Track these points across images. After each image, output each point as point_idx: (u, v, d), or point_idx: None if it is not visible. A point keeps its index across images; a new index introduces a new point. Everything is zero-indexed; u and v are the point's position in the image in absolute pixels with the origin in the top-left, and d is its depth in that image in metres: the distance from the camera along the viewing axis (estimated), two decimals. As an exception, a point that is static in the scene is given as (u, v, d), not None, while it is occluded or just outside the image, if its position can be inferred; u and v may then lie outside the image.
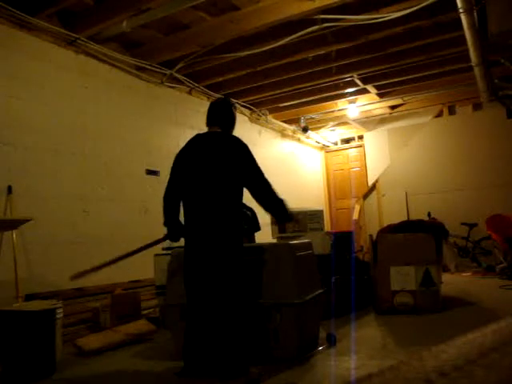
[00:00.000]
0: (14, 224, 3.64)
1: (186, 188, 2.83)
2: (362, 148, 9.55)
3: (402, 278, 4.10)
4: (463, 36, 4.67)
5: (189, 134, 5.54)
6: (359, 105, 7.76)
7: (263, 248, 3.06)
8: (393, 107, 8.35)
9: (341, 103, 7.69)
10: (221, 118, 2.94)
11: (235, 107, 3.10)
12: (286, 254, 2.96)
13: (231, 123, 2.99)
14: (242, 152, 2.79)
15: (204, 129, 3.00)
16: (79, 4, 4.21)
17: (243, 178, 2.78)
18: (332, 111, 8.00)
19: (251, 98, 6.91)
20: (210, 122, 2.97)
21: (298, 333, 2.86)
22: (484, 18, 4.23)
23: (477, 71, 5.73)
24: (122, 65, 5.04)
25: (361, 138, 9.57)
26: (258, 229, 3.31)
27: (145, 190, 5.16)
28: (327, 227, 8.72)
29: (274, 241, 4.57)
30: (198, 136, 2.93)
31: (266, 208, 2.84)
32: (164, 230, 2.95)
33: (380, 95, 7.34)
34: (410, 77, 6.50)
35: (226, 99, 3.29)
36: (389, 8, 4.39)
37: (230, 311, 2.68)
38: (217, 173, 2.75)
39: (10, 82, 3.93)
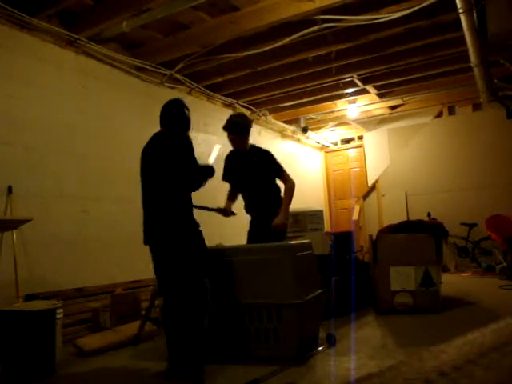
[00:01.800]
0: (13, 224, 3.64)
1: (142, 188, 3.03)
2: (361, 148, 9.55)
3: (402, 278, 4.09)
4: (463, 36, 4.67)
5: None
6: (359, 105, 7.75)
7: (264, 248, 3.06)
8: (393, 107, 8.34)
9: (341, 103, 7.69)
10: (167, 120, 2.98)
11: (187, 107, 3.01)
12: (286, 254, 2.96)
13: (179, 124, 2.96)
14: (179, 147, 2.82)
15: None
16: (79, 4, 4.21)
17: (178, 169, 2.79)
18: (332, 111, 8.00)
19: (251, 98, 6.91)
20: (160, 123, 3.03)
21: (298, 333, 2.85)
22: (484, 18, 4.23)
23: (476, 71, 5.73)
24: (122, 65, 5.04)
25: (361, 138, 9.56)
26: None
27: (145, 190, 5.15)
28: (327, 227, 8.72)
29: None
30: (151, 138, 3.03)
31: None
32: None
33: (380, 95, 7.33)
34: (409, 77, 6.50)
35: (176, 101, 3.06)
36: (389, 8, 4.39)
37: (178, 307, 2.71)
38: (155, 173, 2.91)
39: (9, 82, 3.93)
